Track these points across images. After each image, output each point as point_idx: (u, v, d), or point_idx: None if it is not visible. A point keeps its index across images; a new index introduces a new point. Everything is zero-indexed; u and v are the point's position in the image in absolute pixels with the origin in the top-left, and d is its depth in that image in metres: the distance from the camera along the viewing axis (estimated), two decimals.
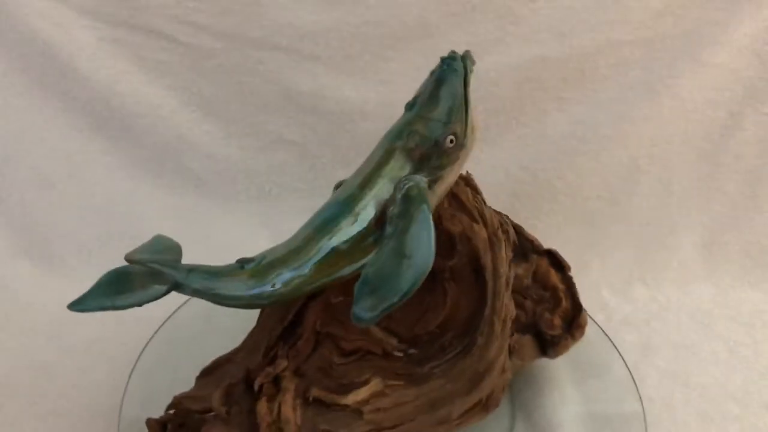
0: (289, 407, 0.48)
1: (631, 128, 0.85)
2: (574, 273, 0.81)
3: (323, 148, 0.84)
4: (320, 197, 0.83)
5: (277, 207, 0.88)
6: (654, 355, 0.74)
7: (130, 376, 0.62)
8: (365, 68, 0.82)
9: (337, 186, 0.55)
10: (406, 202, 0.46)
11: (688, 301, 0.82)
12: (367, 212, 0.47)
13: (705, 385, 0.70)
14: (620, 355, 0.65)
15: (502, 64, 0.82)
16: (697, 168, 0.87)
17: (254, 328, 0.56)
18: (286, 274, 0.47)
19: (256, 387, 0.49)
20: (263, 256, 0.48)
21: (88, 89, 0.82)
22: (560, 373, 0.65)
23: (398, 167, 0.48)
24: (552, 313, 0.60)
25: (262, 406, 0.48)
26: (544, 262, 0.62)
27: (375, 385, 0.51)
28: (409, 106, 0.51)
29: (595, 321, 0.69)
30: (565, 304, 0.61)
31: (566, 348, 0.59)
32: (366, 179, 0.48)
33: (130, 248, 0.82)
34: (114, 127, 0.85)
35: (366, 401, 0.50)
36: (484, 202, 0.56)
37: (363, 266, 0.46)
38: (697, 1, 0.79)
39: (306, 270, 0.47)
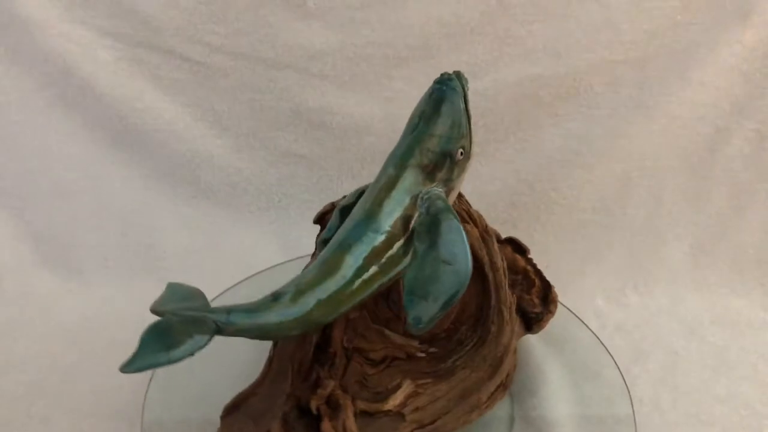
0: (352, 422, 0.49)
1: (624, 143, 0.86)
2: (569, 282, 0.83)
3: (330, 162, 0.86)
4: None
5: (286, 217, 0.90)
6: (645, 360, 0.75)
7: (151, 379, 0.63)
8: (370, 86, 0.84)
9: (342, 209, 0.56)
10: (434, 212, 0.48)
11: (678, 308, 0.83)
12: (391, 225, 0.49)
13: (693, 388, 0.71)
14: (613, 359, 0.66)
15: (500, 82, 0.84)
16: (686, 181, 0.88)
17: (271, 359, 0.55)
18: (324, 295, 0.48)
19: (314, 409, 0.50)
20: (295, 284, 0.48)
21: (106, 106, 0.84)
22: (557, 377, 0.66)
23: (414, 182, 0.50)
24: (529, 293, 0.63)
25: (327, 427, 0.49)
26: (509, 249, 0.65)
27: (407, 387, 0.53)
28: (412, 128, 0.52)
29: (589, 327, 0.71)
30: (537, 283, 0.64)
31: (546, 323, 0.63)
32: (382, 195, 0.49)
33: (146, 258, 0.86)
34: (131, 142, 0.86)
35: (404, 403, 0.52)
36: (469, 204, 0.59)
37: (392, 278, 0.49)
38: (686, 23, 0.81)
39: (344, 286, 0.48)
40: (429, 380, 0.54)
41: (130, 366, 0.46)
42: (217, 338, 0.68)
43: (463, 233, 0.47)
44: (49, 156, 0.85)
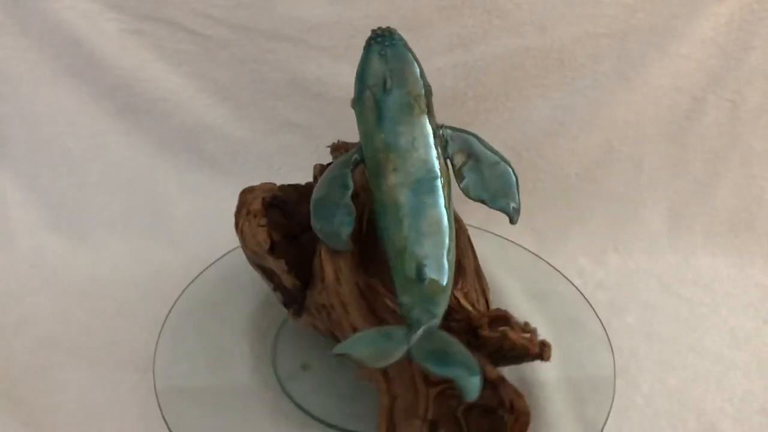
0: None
1: (606, 112, 0.88)
2: (554, 244, 0.87)
3: (327, 131, 0.85)
4: None
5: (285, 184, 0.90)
6: (624, 314, 0.78)
7: (160, 331, 0.66)
8: None
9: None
10: (458, 137, 0.56)
11: (655, 267, 0.86)
12: (440, 167, 0.54)
13: (667, 339, 0.75)
14: (595, 313, 0.70)
15: (489, 54, 0.85)
16: (665, 148, 0.90)
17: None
18: (440, 261, 0.52)
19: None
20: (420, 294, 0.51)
21: (113, 76, 0.84)
22: (543, 329, 0.64)
23: (428, 126, 0.54)
24: None
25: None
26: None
27: None
28: (382, 90, 0.54)
29: (573, 284, 0.74)
30: None
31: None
32: (419, 153, 0.53)
33: (151, 222, 0.88)
34: (137, 111, 0.87)
35: None
36: None
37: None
38: None
39: (450, 232, 0.53)
40: None
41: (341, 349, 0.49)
42: (221, 291, 0.73)
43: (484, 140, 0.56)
44: (58, 124, 0.86)
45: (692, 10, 0.83)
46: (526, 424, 0.48)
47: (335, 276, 0.56)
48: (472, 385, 0.46)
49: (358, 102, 0.55)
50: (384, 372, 0.53)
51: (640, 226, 0.90)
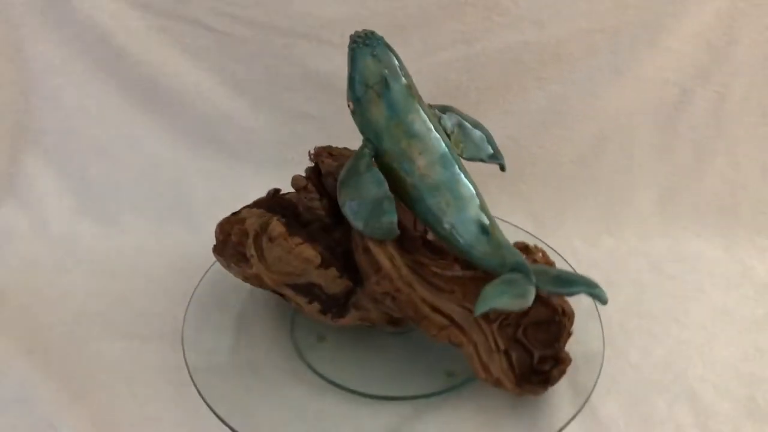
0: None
1: (600, 103, 0.91)
2: (551, 226, 0.90)
3: (337, 121, 0.87)
4: None
5: (298, 171, 0.83)
6: (615, 290, 0.74)
7: (188, 305, 0.69)
8: None
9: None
10: (445, 111, 0.63)
11: (645, 248, 0.88)
12: (446, 138, 0.60)
13: (654, 313, 0.77)
14: None
15: (490, 48, 0.88)
16: (655, 137, 0.92)
17: None
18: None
19: None
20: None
21: (138, 71, 0.88)
22: None
23: (429, 113, 0.61)
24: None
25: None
26: None
27: None
28: (383, 86, 0.59)
29: (568, 263, 0.76)
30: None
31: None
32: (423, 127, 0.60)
33: (174, 206, 0.91)
34: (160, 103, 0.90)
35: None
36: None
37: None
38: None
39: (482, 200, 0.60)
40: None
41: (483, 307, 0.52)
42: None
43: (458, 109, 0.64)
44: (88, 115, 0.89)
45: (681, 7, 0.86)
46: (573, 319, 0.59)
47: (391, 263, 0.59)
48: (601, 292, 0.55)
49: (361, 103, 0.59)
50: (459, 327, 0.58)
51: (631, 209, 0.93)
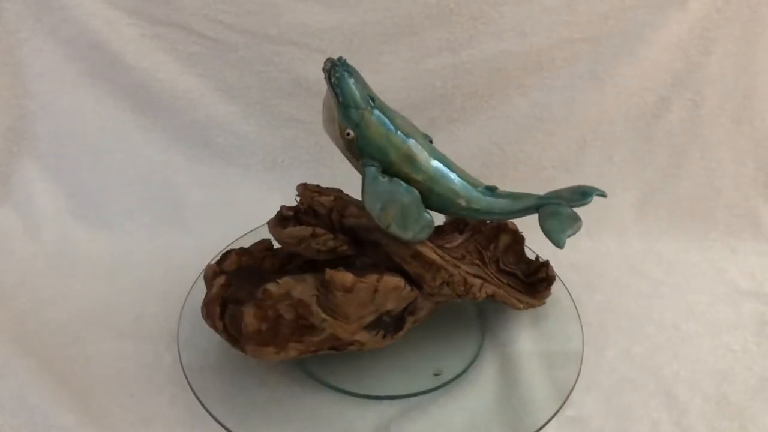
0: None
1: (580, 110, 0.92)
2: (533, 229, 0.87)
3: None
4: (324, 167, 0.92)
5: (288, 176, 0.93)
6: (593, 291, 0.82)
7: (182, 306, 0.70)
8: (362, 60, 0.81)
9: None
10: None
11: (623, 250, 0.90)
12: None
13: (632, 314, 0.80)
14: (567, 290, 0.75)
15: (475, 56, 0.89)
16: (634, 143, 0.94)
17: None
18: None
19: None
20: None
21: (131, 76, 0.88)
22: None
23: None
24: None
25: None
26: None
27: None
28: (372, 105, 0.61)
29: (550, 265, 0.76)
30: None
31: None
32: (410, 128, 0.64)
33: (166, 210, 0.92)
34: (153, 108, 0.90)
35: None
36: None
37: None
38: (634, 6, 0.87)
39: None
40: None
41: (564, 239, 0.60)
42: None
43: None
44: (82, 120, 0.90)
45: (659, 18, 0.88)
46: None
47: (438, 255, 0.64)
48: (601, 191, 0.65)
49: (360, 127, 0.60)
50: (486, 281, 0.67)
51: (610, 213, 0.94)
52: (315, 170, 0.94)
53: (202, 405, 0.60)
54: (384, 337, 0.64)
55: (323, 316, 0.59)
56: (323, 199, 0.64)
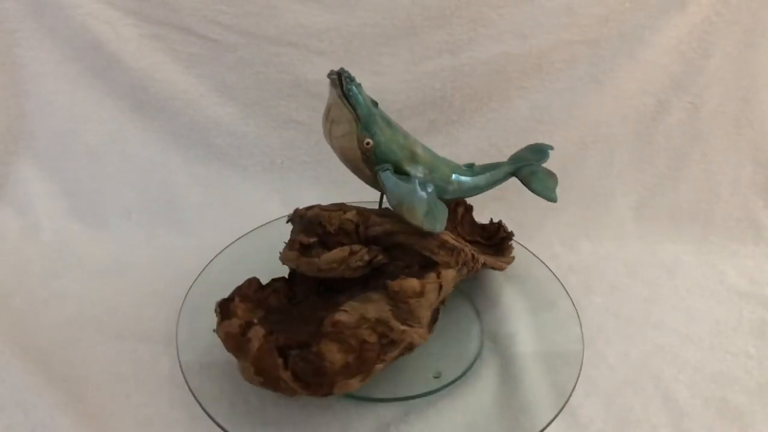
0: None
1: (580, 112, 0.93)
2: (532, 231, 0.91)
3: None
4: (324, 168, 0.93)
5: (287, 177, 0.94)
6: (593, 294, 0.83)
7: (180, 311, 0.70)
8: (362, 61, 0.89)
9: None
10: None
11: (622, 253, 0.91)
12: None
13: (631, 316, 0.80)
14: (567, 293, 0.75)
15: (475, 59, 0.90)
16: (633, 145, 0.95)
17: None
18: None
19: None
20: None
21: (130, 77, 0.88)
22: (520, 307, 0.75)
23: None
24: None
25: None
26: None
27: None
28: (376, 108, 0.63)
29: (548, 267, 0.79)
30: None
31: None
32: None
33: (165, 210, 0.92)
34: (152, 109, 0.90)
35: None
36: None
37: None
38: (634, 9, 0.88)
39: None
40: None
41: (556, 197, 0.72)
42: (232, 274, 0.72)
43: None
44: (80, 121, 0.90)
45: (658, 21, 0.89)
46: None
47: (458, 241, 0.67)
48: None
49: (377, 134, 0.62)
50: (486, 255, 0.73)
51: (610, 215, 0.95)
52: (314, 171, 0.95)
53: (201, 406, 0.60)
54: (430, 331, 0.65)
55: (401, 327, 0.60)
56: (350, 215, 0.65)
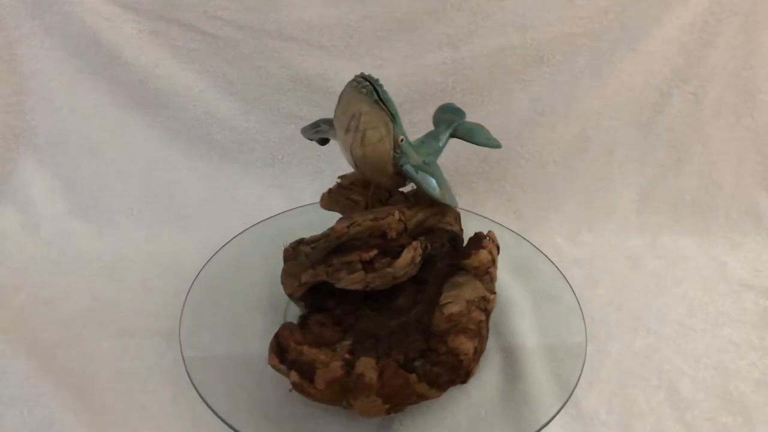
0: None
1: (581, 105, 0.92)
2: (534, 224, 0.92)
3: None
4: (324, 163, 0.93)
5: (287, 172, 0.95)
6: (595, 287, 0.83)
7: (183, 306, 0.69)
8: (362, 55, 0.89)
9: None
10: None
11: (624, 245, 0.91)
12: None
13: (633, 309, 0.80)
14: (570, 286, 0.75)
15: (475, 52, 0.89)
16: (634, 137, 0.94)
17: None
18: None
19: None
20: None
21: (130, 73, 0.88)
22: (524, 300, 0.76)
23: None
24: None
25: None
26: None
27: None
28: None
29: (550, 260, 0.79)
30: None
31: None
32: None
33: (166, 206, 0.93)
34: (152, 105, 0.91)
35: None
36: None
37: None
38: (634, 1, 0.87)
39: None
40: None
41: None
42: (234, 269, 0.76)
43: None
44: (80, 117, 0.90)
45: (659, 12, 0.89)
46: None
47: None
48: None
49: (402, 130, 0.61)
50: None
51: (612, 208, 0.95)
52: (315, 166, 0.95)
53: (205, 402, 0.60)
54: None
55: (491, 296, 0.63)
56: (397, 216, 0.63)
